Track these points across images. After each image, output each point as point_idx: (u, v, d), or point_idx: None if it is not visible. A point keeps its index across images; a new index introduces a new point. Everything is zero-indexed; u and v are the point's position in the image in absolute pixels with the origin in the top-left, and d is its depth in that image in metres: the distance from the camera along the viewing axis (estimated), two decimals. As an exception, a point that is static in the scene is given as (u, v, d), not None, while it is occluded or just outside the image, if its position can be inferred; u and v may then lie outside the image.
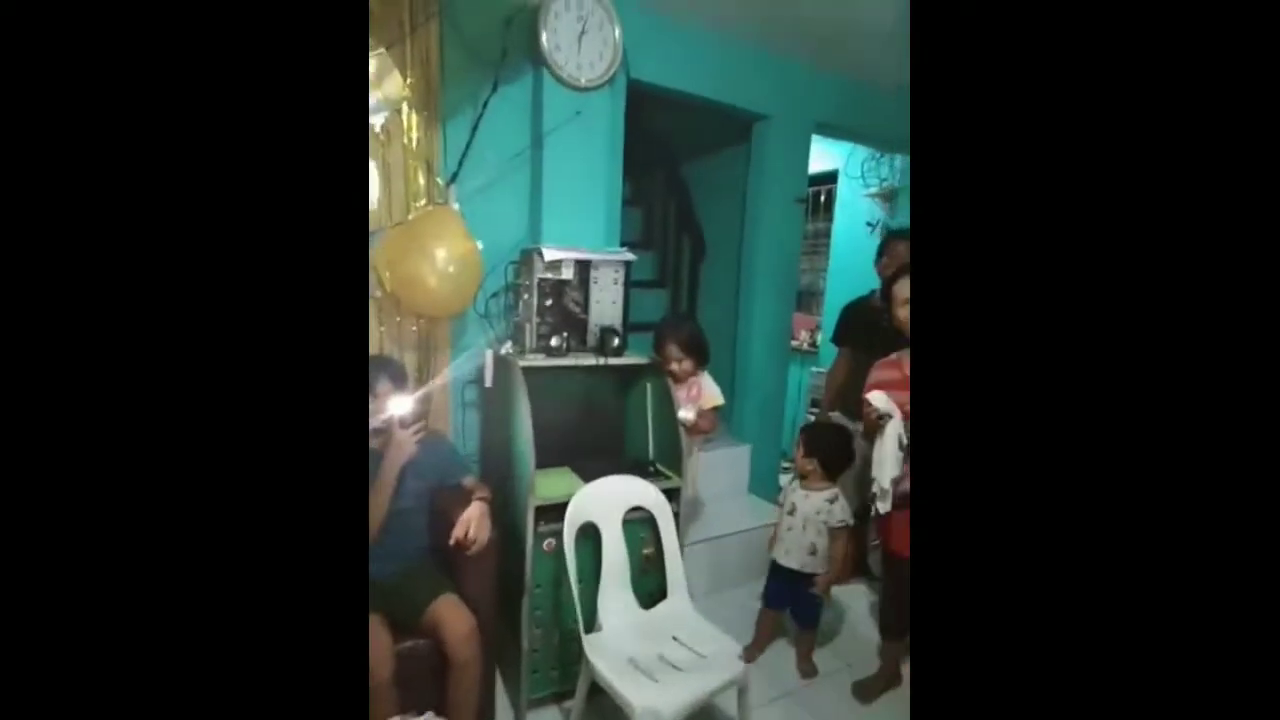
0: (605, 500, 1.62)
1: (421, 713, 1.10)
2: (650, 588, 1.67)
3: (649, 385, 1.86)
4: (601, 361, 1.74)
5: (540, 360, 1.69)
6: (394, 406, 1.40)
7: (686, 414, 1.79)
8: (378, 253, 1.64)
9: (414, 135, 1.69)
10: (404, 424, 1.41)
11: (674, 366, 1.87)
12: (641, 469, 1.77)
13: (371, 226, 1.64)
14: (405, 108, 1.66)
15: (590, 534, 1.59)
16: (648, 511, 1.66)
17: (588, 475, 1.68)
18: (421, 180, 1.71)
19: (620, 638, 1.51)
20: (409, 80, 1.66)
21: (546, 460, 1.65)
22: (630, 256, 1.83)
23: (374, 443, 1.41)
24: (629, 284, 1.83)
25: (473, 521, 1.43)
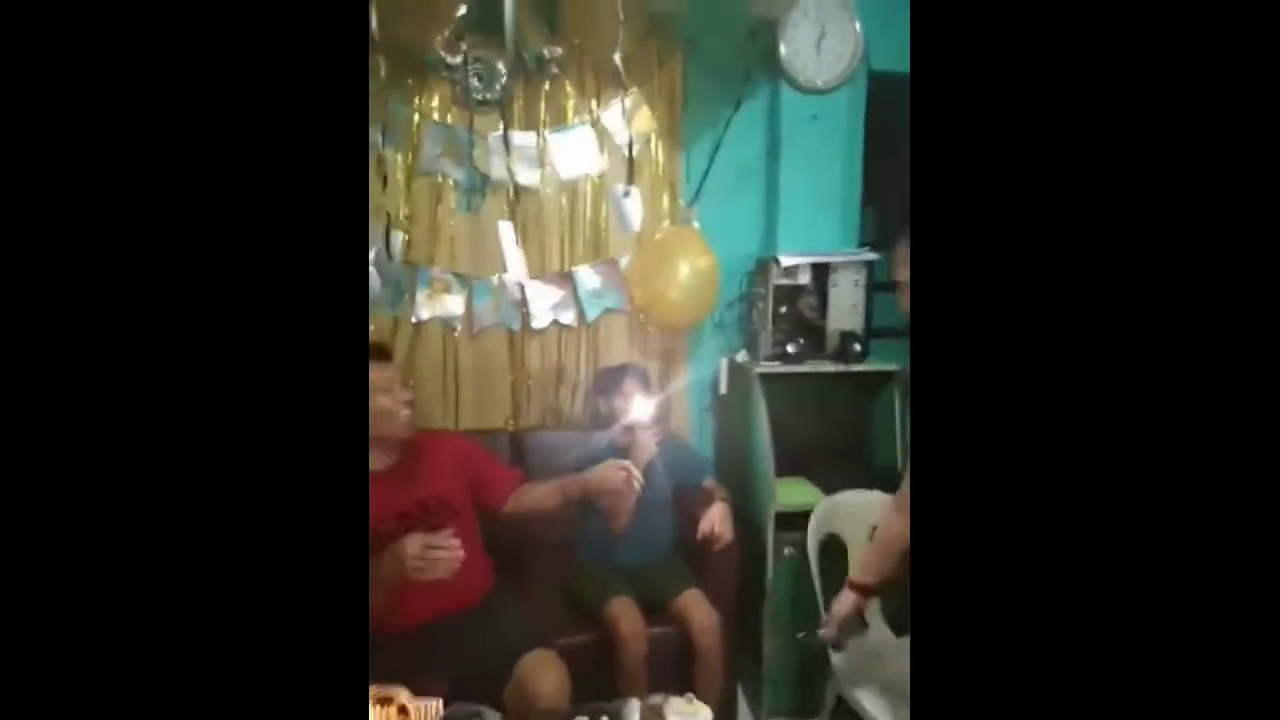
0: (853, 514, 1.55)
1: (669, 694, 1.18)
2: (899, 608, 1.54)
3: (896, 393, 1.73)
4: (841, 368, 1.67)
5: (776, 367, 1.69)
6: (637, 410, 1.51)
7: None
8: (628, 271, 1.83)
9: (660, 162, 1.85)
10: (644, 427, 1.49)
11: None
12: (888, 482, 1.64)
13: (622, 253, 1.84)
14: (653, 138, 1.84)
15: (830, 549, 1.54)
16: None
17: (826, 485, 1.62)
18: (666, 203, 1.86)
19: (870, 659, 1.43)
20: (656, 113, 1.83)
21: (782, 469, 1.65)
22: (872, 256, 1.73)
23: (619, 441, 1.53)
24: (871, 286, 1.73)
25: (717, 519, 1.49)
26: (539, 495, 1.40)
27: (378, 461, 1.31)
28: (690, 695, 1.05)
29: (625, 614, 1.43)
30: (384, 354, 1.37)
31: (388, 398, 1.29)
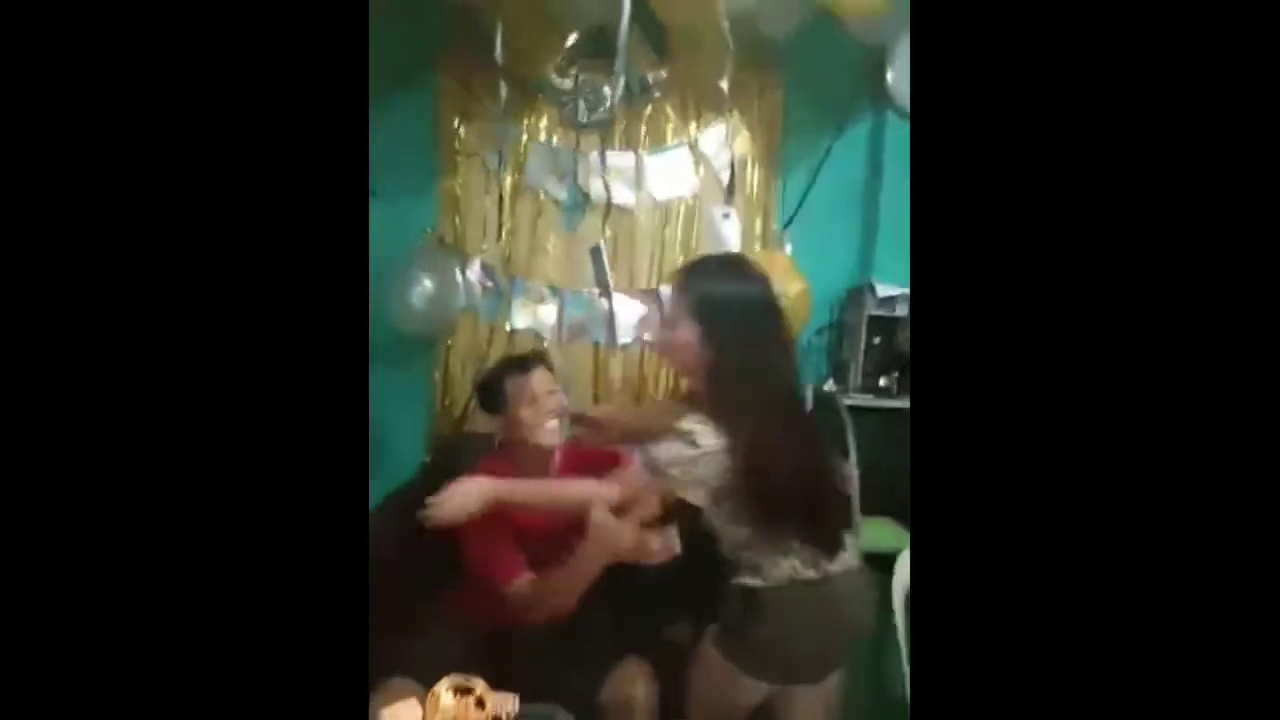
0: None
1: None
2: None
3: None
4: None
5: (867, 400, 1.63)
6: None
7: None
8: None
9: (755, 187, 1.85)
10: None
11: None
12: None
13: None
14: (750, 162, 1.85)
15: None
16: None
17: (914, 528, 1.53)
18: (759, 226, 1.86)
19: None
20: (755, 137, 1.84)
21: (868, 508, 1.57)
22: (978, 292, 1.64)
23: None
24: (974, 322, 1.64)
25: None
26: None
27: (526, 474, 1.26)
28: None
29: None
30: (542, 361, 1.33)
31: (543, 406, 1.25)
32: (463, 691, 0.94)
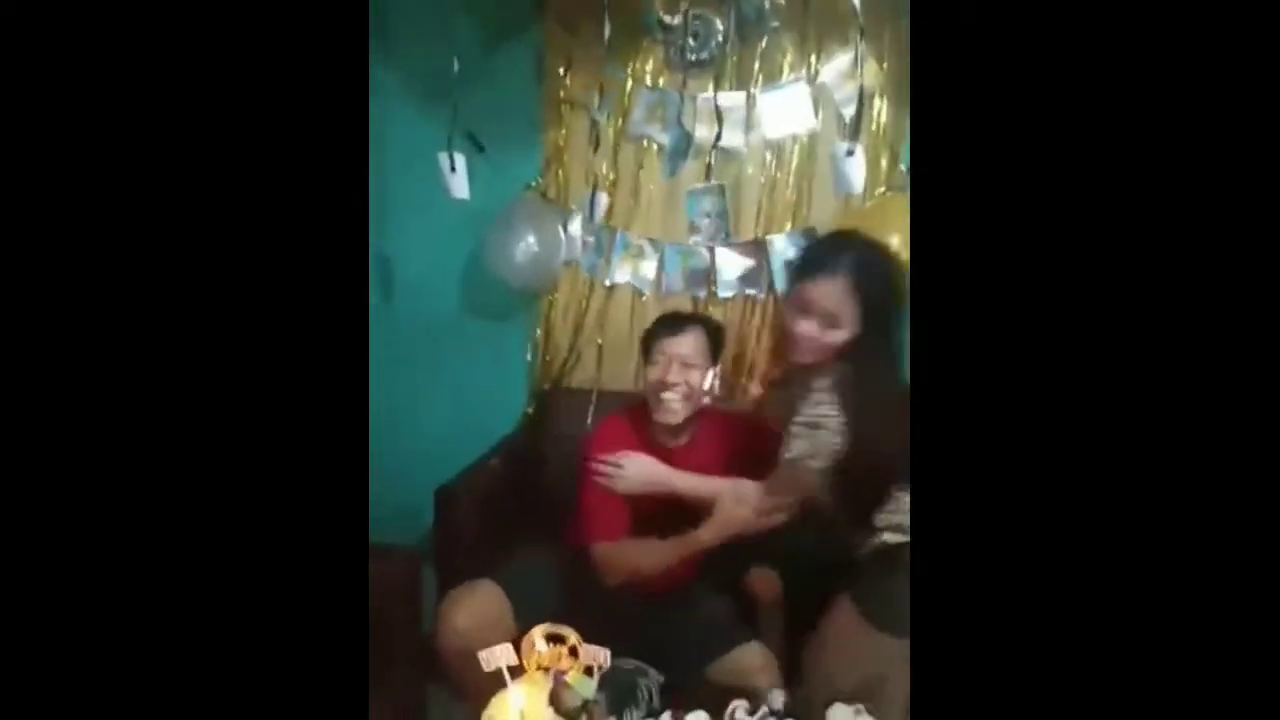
0: None
1: None
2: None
3: None
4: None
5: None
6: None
7: None
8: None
9: (882, 123, 1.65)
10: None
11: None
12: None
13: (825, 221, 1.68)
14: (876, 96, 1.64)
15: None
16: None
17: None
18: (884, 166, 1.66)
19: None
20: (884, 66, 1.62)
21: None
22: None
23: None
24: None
25: None
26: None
27: (666, 438, 1.21)
28: (859, 706, 0.94)
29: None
30: (702, 324, 1.23)
31: (671, 376, 1.15)
32: (556, 640, 0.97)
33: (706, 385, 1.22)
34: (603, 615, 1.14)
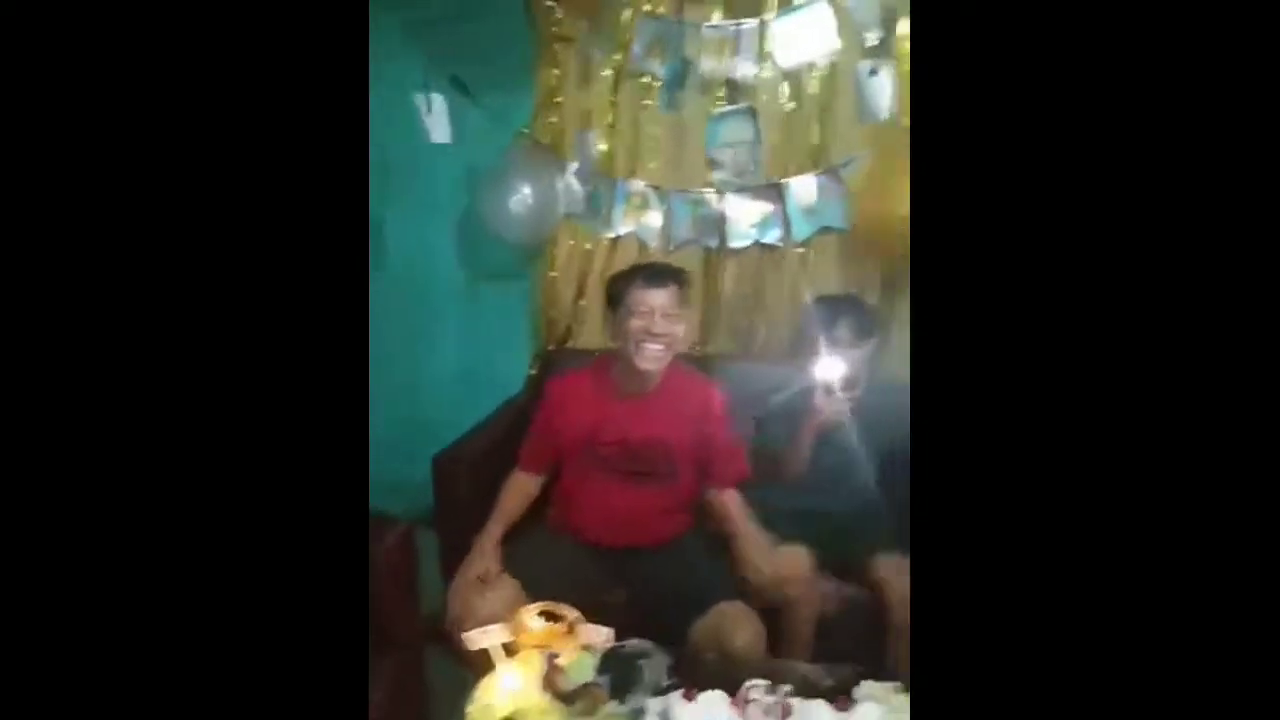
0: None
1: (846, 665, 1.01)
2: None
3: None
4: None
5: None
6: (827, 368, 1.25)
7: None
8: (854, 179, 1.53)
9: (908, 45, 1.47)
10: (831, 390, 1.24)
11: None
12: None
13: (849, 157, 1.53)
14: (902, 9, 1.46)
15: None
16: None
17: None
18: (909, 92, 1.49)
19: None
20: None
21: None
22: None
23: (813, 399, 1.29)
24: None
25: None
26: (733, 515, 1.24)
27: (623, 385, 1.24)
28: (898, 684, 0.86)
29: (793, 565, 1.24)
30: (676, 280, 1.22)
31: (654, 327, 1.16)
32: (552, 618, 0.90)
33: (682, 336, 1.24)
34: (581, 577, 1.15)
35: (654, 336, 1.17)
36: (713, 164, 1.60)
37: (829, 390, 1.26)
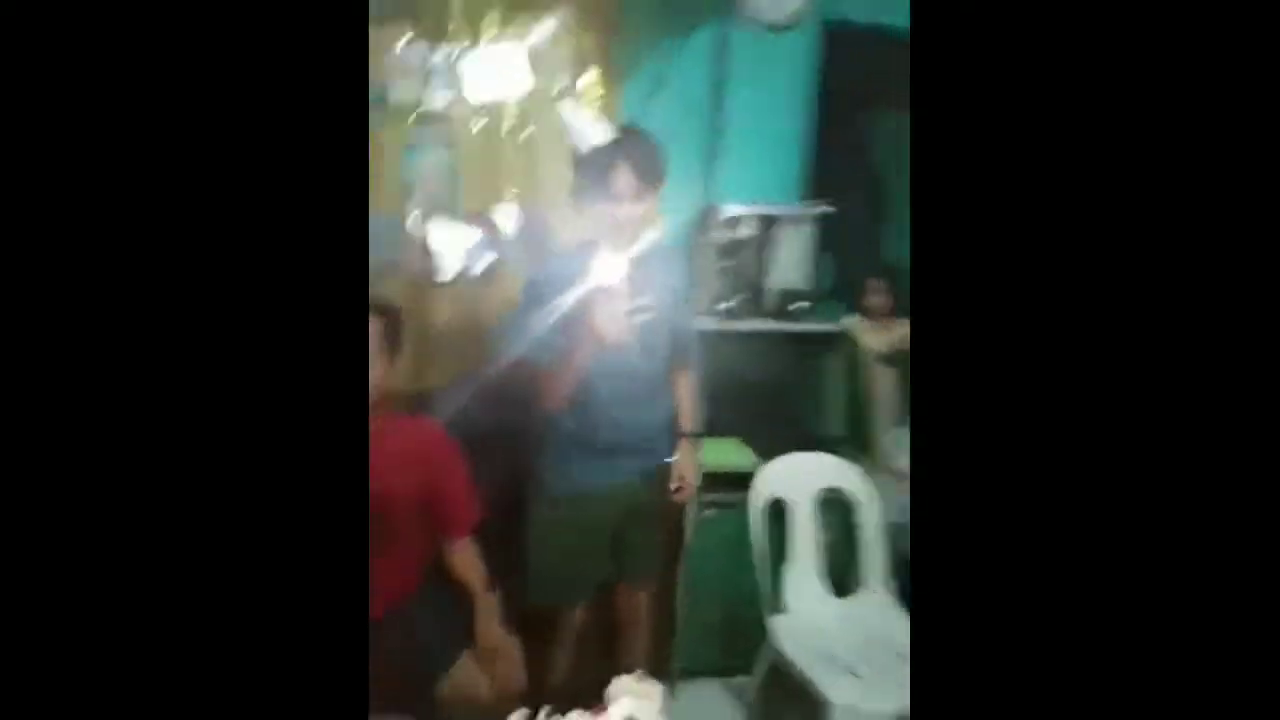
0: (797, 477, 1.49)
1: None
2: (841, 575, 1.52)
3: (844, 355, 1.68)
4: (782, 327, 1.59)
5: (713, 323, 1.58)
6: (604, 272, 0.95)
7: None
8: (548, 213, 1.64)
9: (595, 92, 1.66)
10: (614, 296, 0.96)
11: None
12: (830, 447, 1.60)
13: (541, 193, 1.64)
14: (587, 66, 1.63)
15: (773, 512, 1.47)
16: (843, 493, 1.51)
17: (763, 449, 1.55)
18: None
19: (812, 625, 1.39)
20: (591, 35, 1.63)
21: (713, 429, 1.55)
22: (827, 209, 1.64)
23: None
24: (819, 242, 1.65)
25: (687, 466, 1.31)
26: (464, 574, 1.16)
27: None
28: (640, 672, 0.92)
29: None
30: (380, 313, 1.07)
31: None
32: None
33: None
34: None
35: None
36: (408, 193, 1.53)
37: (608, 297, 0.97)
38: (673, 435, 1.32)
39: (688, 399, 1.35)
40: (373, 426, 1.03)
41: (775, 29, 1.64)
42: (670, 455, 1.31)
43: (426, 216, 1.55)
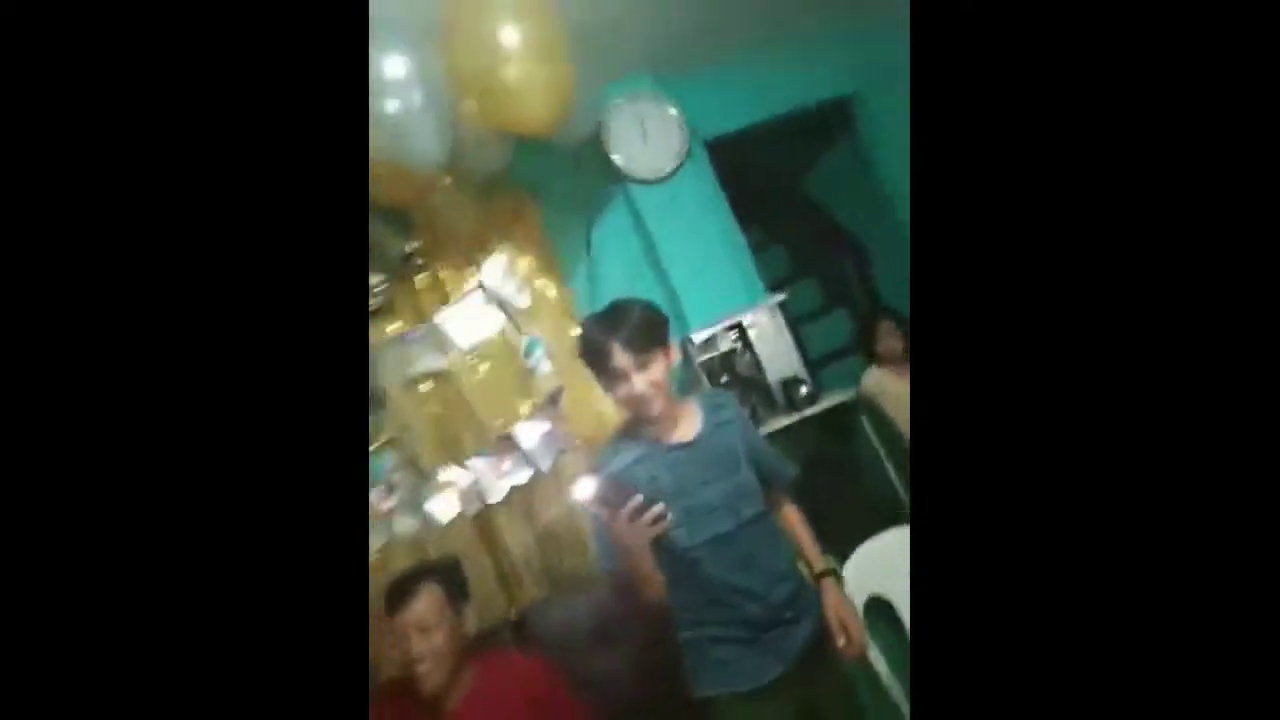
0: (891, 564, 1.31)
1: None
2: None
3: (866, 422, 1.66)
4: (796, 417, 1.61)
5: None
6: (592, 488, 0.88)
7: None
8: (564, 406, 1.79)
9: (550, 294, 1.88)
10: (621, 495, 0.87)
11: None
12: (892, 513, 1.53)
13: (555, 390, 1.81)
14: (539, 281, 1.87)
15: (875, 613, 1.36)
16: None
17: (834, 542, 1.48)
18: (574, 332, 1.87)
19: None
20: (529, 258, 1.88)
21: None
22: (779, 296, 1.72)
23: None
24: (793, 325, 1.71)
25: (842, 610, 1.01)
26: None
27: (415, 686, 1.03)
28: None
29: None
30: (436, 578, 1.08)
31: (414, 644, 1.01)
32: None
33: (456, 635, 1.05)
34: None
35: (424, 652, 1.01)
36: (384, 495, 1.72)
37: (611, 498, 0.87)
38: (804, 583, 1.04)
39: (804, 531, 1.09)
40: (468, 671, 1.03)
41: (667, 176, 1.84)
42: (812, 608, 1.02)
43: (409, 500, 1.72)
